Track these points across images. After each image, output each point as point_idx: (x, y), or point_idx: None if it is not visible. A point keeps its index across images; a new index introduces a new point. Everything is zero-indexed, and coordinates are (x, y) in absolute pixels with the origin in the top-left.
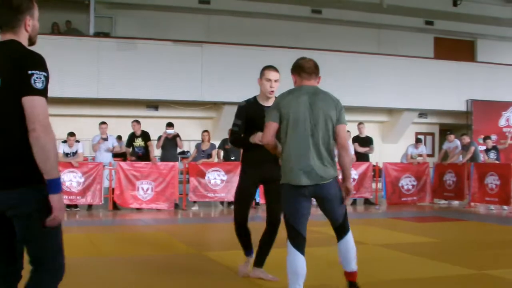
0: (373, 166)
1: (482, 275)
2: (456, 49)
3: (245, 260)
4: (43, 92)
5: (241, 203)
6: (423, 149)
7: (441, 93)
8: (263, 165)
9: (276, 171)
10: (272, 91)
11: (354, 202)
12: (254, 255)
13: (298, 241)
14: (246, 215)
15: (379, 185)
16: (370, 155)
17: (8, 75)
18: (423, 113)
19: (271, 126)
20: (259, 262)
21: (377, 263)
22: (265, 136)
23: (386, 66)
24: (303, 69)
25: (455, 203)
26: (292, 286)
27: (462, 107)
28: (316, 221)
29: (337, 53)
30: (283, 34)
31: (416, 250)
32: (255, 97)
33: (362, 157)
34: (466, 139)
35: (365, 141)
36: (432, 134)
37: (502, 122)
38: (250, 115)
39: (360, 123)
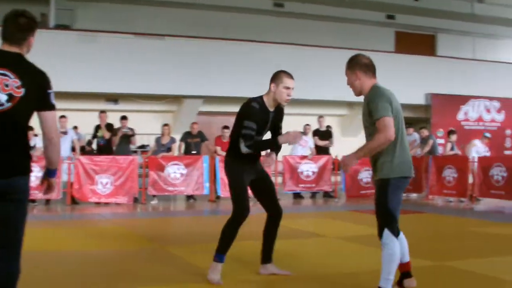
0: (333, 159)
1: (441, 267)
2: (417, 43)
3: (214, 266)
4: (55, 107)
5: (245, 195)
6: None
7: (401, 87)
8: (255, 162)
9: (261, 166)
10: (288, 100)
11: (313, 195)
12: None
13: (396, 230)
14: (249, 208)
15: (339, 178)
16: (330, 149)
17: (31, 88)
18: None
19: (392, 122)
20: (269, 258)
21: (337, 255)
22: (391, 133)
23: (344, 61)
24: (375, 69)
25: (414, 195)
26: (392, 276)
27: (422, 101)
28: None
29: (299, 46)
30: (245, 28)
31: (375, 242)
32: (262, 100)
33: (322, 151)
34: (425, 132)
35: (325, 135)
36: None
37: (460, 116)
38: (258, 119)
39: (320, 116)
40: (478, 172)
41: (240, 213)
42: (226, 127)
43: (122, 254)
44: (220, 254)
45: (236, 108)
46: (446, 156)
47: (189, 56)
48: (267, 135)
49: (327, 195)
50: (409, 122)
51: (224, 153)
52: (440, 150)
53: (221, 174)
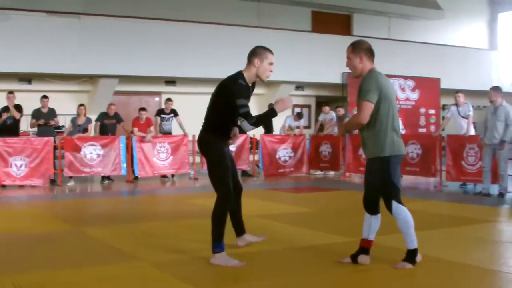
0: (250, 138)
1: (355, 242)
2: (333, 23)
3: (220, 257)
4: None
5: (229, 177)
6: (301, 121)
7: (318, 66)
8: (228, 141)
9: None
10: (268, 76)
11: None
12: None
13: (400, 200)
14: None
15: (257, 157)
16: None
17: None
18: (300, 86)
19: (370, 107)
20: (242, 229)
21: (256, 233)
22: (364, 117)
23: (265, 39)
24: (373, 54)
25: (331, 173)
26: (414, 236)
27: (338, 80)
28: (193, 194)
29: (215, 25)
30: (161, 6)
31: (294, 220)
32: (243, 75)
33: (239, 130)
34: (341, 111)
35: None
36: (308, 106)
37: None
38: (245, 95)
39: None
40: None
41: (229, 192)
42: (143, 108)
43: (39, 237)
44: (219, 242)
45: (151, 88)
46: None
47: (104, 35)
48: None
49: (245, 173)
50: (326, 101)
51: (140, 134)
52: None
53: (139, 155)
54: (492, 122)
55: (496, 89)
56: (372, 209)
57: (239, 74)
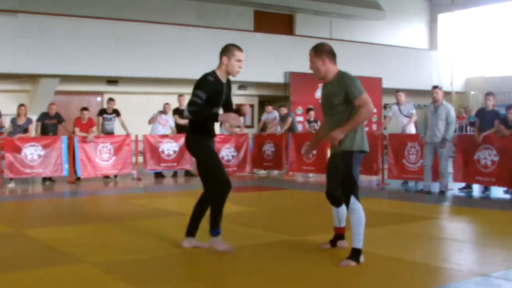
0: None
1: (302, 241)
2: (275, 23)
3: (216, 240)
4: None
5: (222, 168)
6: (276, 114)
7: (260, 66)
8: (213, 138)
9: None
10: (238, 72)
11: (175, 174)
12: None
13: (358, 196)
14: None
15: None
16: None
17: None
18: (242, 85)
19: (369, 98)
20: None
21: (199, 233)
22: (372, 106)
23: (206, 39)
24: (335, 55)
25: (274, 172)
26: (362, 236)
27: (281, 79)
28: (136, 194)
29: (157, 24)
30: (101, 5)
31: (237, 219)
32: (215, 73)
33: (182, 129)
34: (284, 110)
35: None
36: (251, 105)
37: (318, 94)
38: (214, 91)
39: (180, 95)
40: None
41: (224, 185)
42: (85, 108)
43: None
44: (216, 229)
45: (93, 87)
46: (306, 133)
47: (44, 33)
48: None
49: (188, 173)
50: (268, 100)
51: (82, 134)
52: (299, 127)
53: (81, 155)
54: (433, 121)
55: (440, 88)
56: (336, 201)
57: (211, 71)
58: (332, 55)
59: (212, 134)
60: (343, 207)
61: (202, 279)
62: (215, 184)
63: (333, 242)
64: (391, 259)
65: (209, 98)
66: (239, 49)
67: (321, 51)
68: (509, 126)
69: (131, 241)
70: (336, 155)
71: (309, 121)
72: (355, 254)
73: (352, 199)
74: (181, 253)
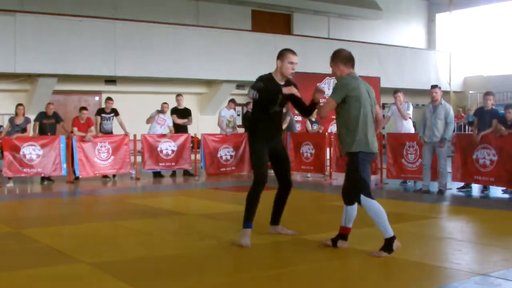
0: (192, 137)
1: (301, 240)
2: (273, 22)
3: (244, 232)
4: None
5: (264, 164)
6: (233, 112)
7: (258, 65)
8: (273, 136)
9: (280, 140)
10: (293, 73)
11: (173, 174)
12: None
13: (370, 194)
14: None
15: (198, 156)
16: (189, 127)
17: None
18: (241, 85)
19: (331, 105)
20: (277, 220)
21: (197, 232)
22: (323, 112)
23: (205, 38)
24: (352, 60)
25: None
26: (387, 225)
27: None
28: (134, 194)
29: (154, 24)
30: (99, 5)
31: (235, 218)
32: (271, 74)
33: (180, 129)
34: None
35: (184, 113)
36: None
37: None
38: (266, 86)
39: (179, 94)
40: (334, 148)
41: (259, 183)
42: (84, 108)
43: None
44: (248, 221)
45: (91, 87)
46: (303, 133)
47: (42, 33)
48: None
49: (187, 173)
50: None
51: (81, 134)
52: (297, 127)
53: (79, 155)
54: (432, 120)
55: (439, 87)
56: (348, 199)
57: (268, 73)
58: (347, 59)
59: (266, 130)
60: (353, 207)
61: (198, 278)
62: (253, 177)
63: (334, 241)
64: (390, 259)
65: (265, 94)
66: (292, 52)
67: (335, 57)
68: (508, 125)
69: (128, 241)
70: (347, 157)
71: (311, 121)
72: (386, 245)
73: (362, 197)
74: (178, 253)
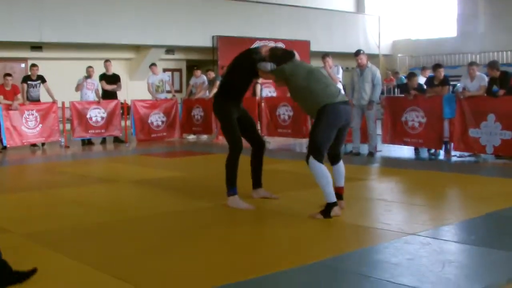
0: (122, 103)
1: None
2: None
3: (233, 200)
4: None
5: (238, 130)
6: (163, 76)
7: (188, 30)
8: (240, 103)
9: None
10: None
11: (103, 141)
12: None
13: (320, 158)
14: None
15: (128, 122)
16: (118, 93)
17: None
18: (170, 50)
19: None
20: (259, 183)
21: (129, 199)
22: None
23: (130, 2)
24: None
25: (204, 137)
26: (328, 188)
27: (209, 43)
28: (64, 162)
29: None
30: None
31: (167, 184)
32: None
33: (110, 95)
34: (212, 74)
35: (112, 79)
36: (179, 70)
37: None
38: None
39: (107, 60)
40: (265, 112)
41: (235, 150)
42: (8, 74)
43: None
44: (233, 187)
45: (16, 54)
46: None
47: None
48: None
49: (117, 139)
50: (197, 65)
51: (7, 102)
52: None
53: (6, 124)
54: (359, 84)
55: (362, 52)
56: (330, 160)
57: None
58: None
59: (236, 100)
60: (339, 165)
61: (127, 244)
62: (229, 144)
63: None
64: (323, 221)
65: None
66: None
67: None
68: (435, 85)
69: (59, 209)
70: None
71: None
72: (325, 209)
73: (311, 158)
74: (111, 220)
